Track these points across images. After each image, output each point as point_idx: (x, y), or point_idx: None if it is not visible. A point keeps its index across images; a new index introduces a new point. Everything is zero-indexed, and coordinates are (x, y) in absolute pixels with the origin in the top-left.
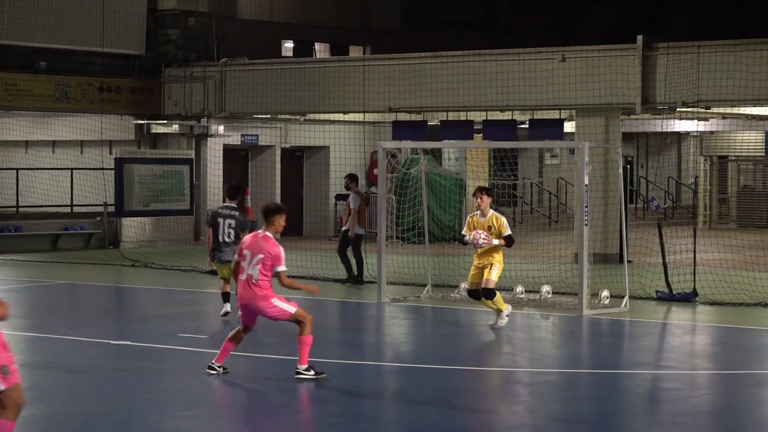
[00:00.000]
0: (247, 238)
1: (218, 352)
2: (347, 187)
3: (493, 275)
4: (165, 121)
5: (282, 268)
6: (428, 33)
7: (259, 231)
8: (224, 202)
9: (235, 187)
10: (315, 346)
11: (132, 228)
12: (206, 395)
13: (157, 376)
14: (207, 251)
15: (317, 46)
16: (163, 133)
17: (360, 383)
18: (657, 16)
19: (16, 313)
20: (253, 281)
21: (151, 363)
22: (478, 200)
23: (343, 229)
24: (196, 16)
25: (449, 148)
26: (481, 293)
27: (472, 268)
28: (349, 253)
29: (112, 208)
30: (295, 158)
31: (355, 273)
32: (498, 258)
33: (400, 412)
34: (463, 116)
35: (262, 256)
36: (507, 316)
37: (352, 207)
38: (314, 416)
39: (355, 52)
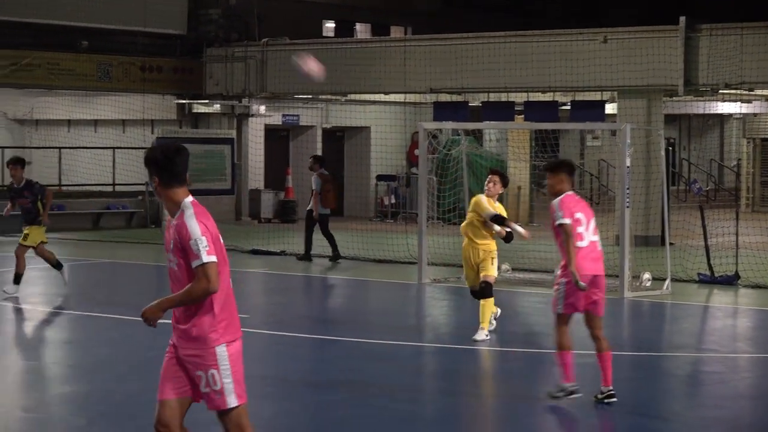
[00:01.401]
0: (564, 201)
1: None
2: (311, 168)
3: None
4: (206, 101)
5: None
6: (469, 14)
7: (567, 192)
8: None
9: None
10: (355, 328)
11: None
12: None
13: None
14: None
15: (358, 26)
16: (205, 113)
17: (400, 363)
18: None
19: (58, 291)
20: (600, 248)
21: None
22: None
23: (307, 209)
24: None
25: (490, 129)
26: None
27: None
28: (317, 232)
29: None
30: (336, 138)
31: (309, 252)
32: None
33: (439, 393)
34: (504, 97)
35: (593, 216)
36: (486, 336)
37: (313, 188)
38: (349, 397)
39: (396, 32)
